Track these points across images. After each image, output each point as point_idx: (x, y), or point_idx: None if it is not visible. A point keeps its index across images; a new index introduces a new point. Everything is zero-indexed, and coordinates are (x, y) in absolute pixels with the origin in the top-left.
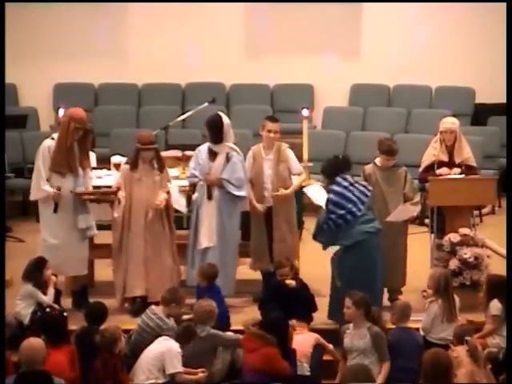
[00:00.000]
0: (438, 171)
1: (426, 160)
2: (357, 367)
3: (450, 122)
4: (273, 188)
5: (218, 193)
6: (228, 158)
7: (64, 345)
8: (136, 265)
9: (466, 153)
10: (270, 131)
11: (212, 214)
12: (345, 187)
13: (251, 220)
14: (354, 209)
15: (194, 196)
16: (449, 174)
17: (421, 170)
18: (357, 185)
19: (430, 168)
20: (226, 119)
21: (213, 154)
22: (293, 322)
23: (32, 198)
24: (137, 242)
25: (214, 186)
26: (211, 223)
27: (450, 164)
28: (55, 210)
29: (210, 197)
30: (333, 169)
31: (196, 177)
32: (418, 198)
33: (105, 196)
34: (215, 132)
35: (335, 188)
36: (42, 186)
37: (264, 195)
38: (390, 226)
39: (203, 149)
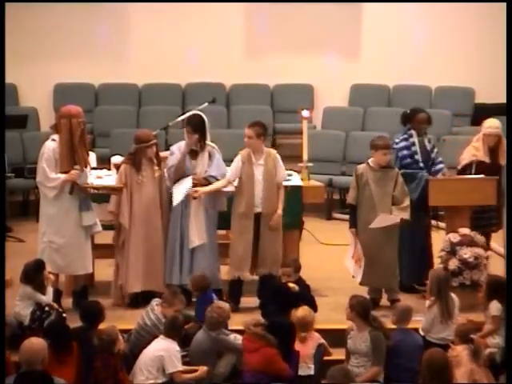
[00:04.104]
0: None
1: (465, 159)
2: (337, 369)
3: (494, 127)
4: (264, 194)
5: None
6: (210, 155)
7: (69, 353)
8: (139, 261)
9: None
10: (245, 136)
11: (198, 212)
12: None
13: (236, 225)
14: None
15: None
16: None
17: (459, 168)
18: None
19: (468, 167)
20: (205, 117)
21: (193, 153)
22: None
23: (50, 195)
24: (139, 239)
25: (200, 184)
26: (199, 221)
27: (492, 166)
28: (71, 192)
29: (195, 196)
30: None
31: None
32: (407, 202)
33: (110, 190)
34: (204, 130)
35: None
36: (50, 175)
37: (253, 200)
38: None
39: (180, 148)
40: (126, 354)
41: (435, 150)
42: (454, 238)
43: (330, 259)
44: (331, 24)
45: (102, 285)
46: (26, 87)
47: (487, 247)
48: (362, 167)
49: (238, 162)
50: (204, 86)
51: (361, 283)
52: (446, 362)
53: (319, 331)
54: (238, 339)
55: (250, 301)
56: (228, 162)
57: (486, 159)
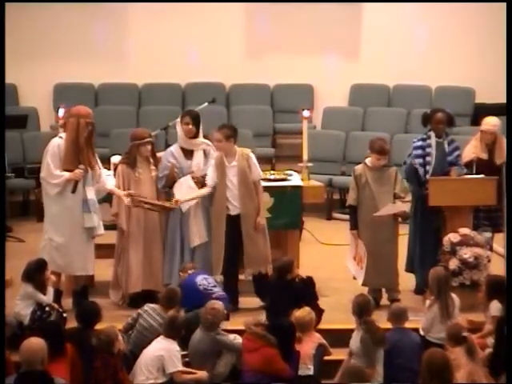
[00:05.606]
0: None
1: (466, 157)
2: (353, 368)
3: (490, 124)
4: (240, 194)
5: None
6: (206, 154)
7: (63, 354)
8: (139, 260)
9: (505, 154)
10: (214, 140)
11: (197, 211)
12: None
13: (211, 229)
14: None
15: (177, 195)
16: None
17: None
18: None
19: (469, 165)
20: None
21: (188, 153)
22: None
23: (53, 192)
24: (138, 239)
25: (200, 183)
26: (199, 220)
27: (490, 163)
28: (74, 191)
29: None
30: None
31: None
32: (408, 197)
33: (162, 209)
34: (199, 126)
35: None
36: (54, 172)
37: (228, 203)
38: (380, 225)
39: (174, 150)
40: (126, 354)
41: (455, 154)
42: (454, 238)
43: (330, 259)
44: (331, 24)
45: (102, 285)
46: (25, 87)
47: (491, 247)
48: (359, 168)
49: (213, 166)
50: (204, 86)
51: (363, 284)
52: (446, 362)
53: (319, 331)
54: (237, 339)
55: (249, 301)
56: None
57: (484, 156)
